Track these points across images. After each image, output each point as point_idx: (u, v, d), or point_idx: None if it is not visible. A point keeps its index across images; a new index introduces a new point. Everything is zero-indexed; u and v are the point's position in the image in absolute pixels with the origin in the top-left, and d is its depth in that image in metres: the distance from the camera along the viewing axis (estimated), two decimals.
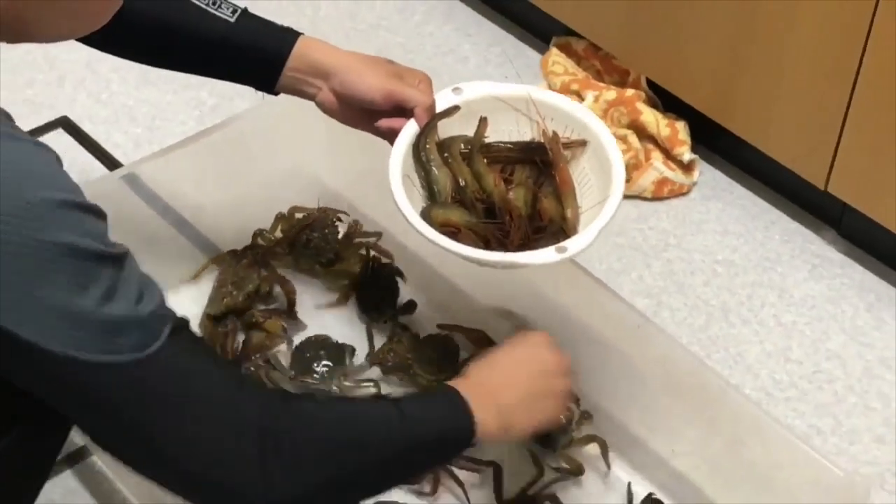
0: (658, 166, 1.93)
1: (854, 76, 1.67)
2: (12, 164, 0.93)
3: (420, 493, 1.52)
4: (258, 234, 1.73)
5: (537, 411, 1.24)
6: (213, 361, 1.08)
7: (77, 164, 1.89)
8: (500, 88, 1.47)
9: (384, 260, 1.74)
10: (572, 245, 1.32)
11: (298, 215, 1.75)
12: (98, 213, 0.97)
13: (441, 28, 2.21)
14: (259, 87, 1.46)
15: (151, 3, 1.40)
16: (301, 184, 1.76)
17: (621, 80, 2.03)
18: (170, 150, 1.69)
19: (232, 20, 1.40)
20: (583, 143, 1.42)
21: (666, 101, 1.98)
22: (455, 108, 1.43)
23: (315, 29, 2.13)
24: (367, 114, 1.42)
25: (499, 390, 1.20)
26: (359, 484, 1.10)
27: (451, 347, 1.62)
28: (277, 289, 1.71)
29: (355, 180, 1.77)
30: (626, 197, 1.91)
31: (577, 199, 1.41)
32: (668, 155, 1.95)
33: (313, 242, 1.70)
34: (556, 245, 1.32)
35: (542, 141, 1.43)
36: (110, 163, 1.90)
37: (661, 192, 1.93)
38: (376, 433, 1.10)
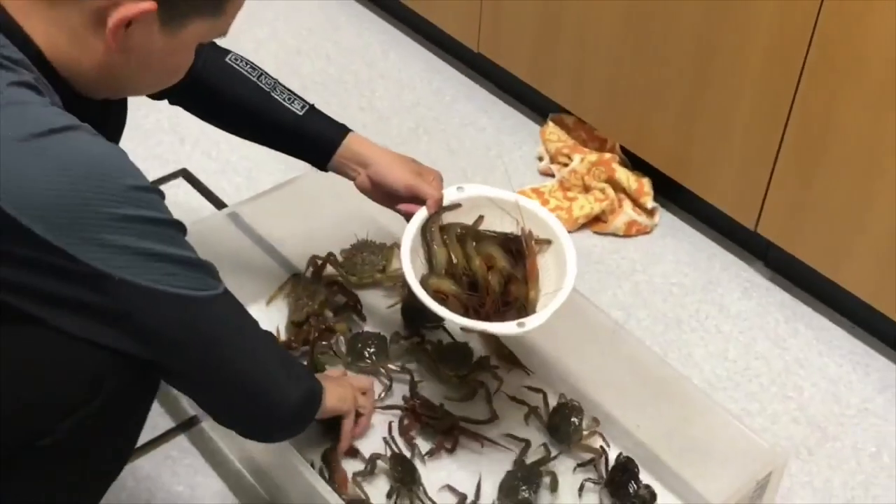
0: (628, 211, 1.94)
1: (777, 147, 1.69)
2: (109, 159, 0.97)
3: (443, 449, 1.50)
4: (327, 258, 1.72)
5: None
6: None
7: (192, 205, 1.91)
8: (492, 192, 1.51)
9: None
10: (530, 322, 1.36)
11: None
12: (161, 193, 1.01)
13: (465, 105, 2.23)
14: (313, 165, 1.48)
15: (239, 87, 1.42)
16: (359, 221, 1.77)
17: (601, 147, 2.04)
18: (262, 194, 1.72)
19: (300, 114, 1.43)
20: (548, 242, 1.46)
21: (634, 162, 1.99)
22: (457, 205, 1.48)
23: (373, 105, 2.19)
24: (392, 197, 1.46)
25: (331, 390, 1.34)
26: None
27: (467, 351, 1.62)
28: (343, 299, 1.69)
29: (399, 220, 1.79)
30: (603, 233, 1.95)
31: (539, 284, 1.43)
32: (636, 203, 1.95)
33: (367, 259, 1.71)
34: (518, 321, 1.36)
35: (519, 235, 1.46)
36: (218, 204, 1.91)
37: (630, 231, 1.94)
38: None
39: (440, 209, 1.45)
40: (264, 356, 1.15)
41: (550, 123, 2.10)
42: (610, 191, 1.94)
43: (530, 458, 1.48)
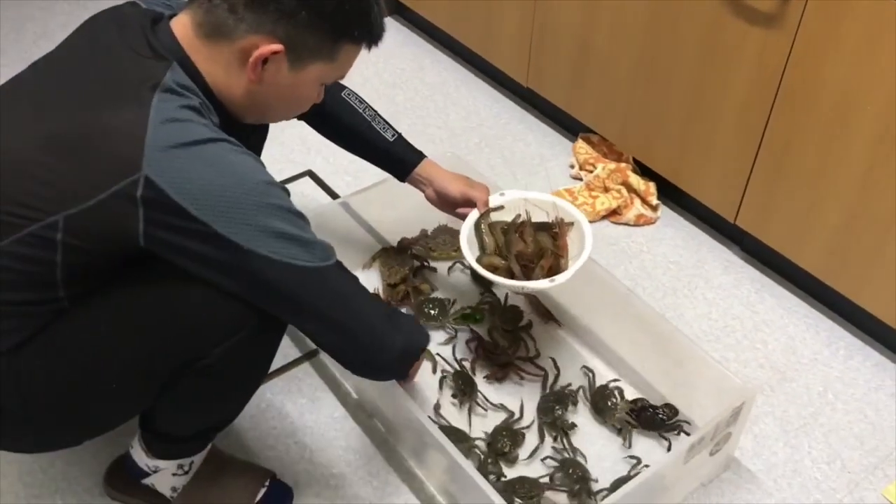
0: (638, 207, 1.92)
1: (753, 160, 1.66)
2: (245, 162, 0.96)
3: (495, 378, 1.51)
4: (421, 235, 1.73)
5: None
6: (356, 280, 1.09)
7: (316, 197, 1.92)
8: (527, 194, 1.50)
9: None
10: (559, 279, 1.35)
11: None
12: (287, 191, 0.99)
13: (517, 126, 2.21)
14: (395, 177, 1.49)
15: (348, 116, 1.43)
16: (436, 212, 1.77)
17: (618, 158, 2.01)
18: (365, 189, 1.72)
19: (391, 140, 1.44)
20: (572, 224, 1.45)
21: (643, 170, 1.97)
22: (500, 207, 1.48)
23: (447, 125, 2.18)
24: (451, 205, 1.47)
25: None
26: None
27: (517, 313, 1.61)
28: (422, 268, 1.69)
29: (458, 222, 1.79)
30: (618, 223, 1.92)
31: (568, 255, 1.43)
32: (644, 200, 1.93)
33: (446, 240, 1.70)
34: (549, 278, 1.35)
35: (552, 222, 1.46)
36: (333, 196, 1.91)
37: (639, 222, 1.91)
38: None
39: (487, 210, 1.46)
40: (370, 313, 1.09)
41: (580, 140, 2.08)
42: (624, 191, 1.92)
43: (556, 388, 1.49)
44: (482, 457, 1.36)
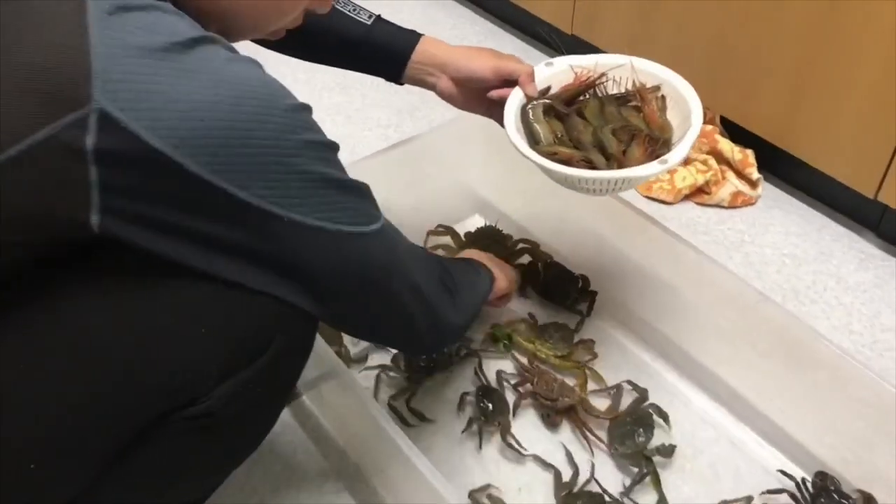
0: (734, 181, 1.45)
1: None
2: (259, 78, 0.62)
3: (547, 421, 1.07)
4: (432, 231, 1.29)
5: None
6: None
7: None
8: (582, 59, 1.00)
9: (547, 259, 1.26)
10: (671, 157, 0.87)
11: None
12: (311, 110, 0.66)
13: None
14: (389, 79, 1.02)
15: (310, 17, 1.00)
16: (461, 195, 1.34)
17: None
18: (360, 161, 1.27)
19: (368, 24, 0.98)
20: (657, 88, 0.97)
21: (733, 135, 1.50)
22: (547, 88, 0.98)
23: None
24: (480, 94, 0.99)
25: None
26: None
27: (566, 331, 1.16)
28: None
29: (502, 191, 1.33)
30: (707, 205, 1.45)
31: (661, 126, 0.94)
32: (739, 174, 1.47)
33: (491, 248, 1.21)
34: (658, 159, 0.87)
35: (628, 92, 0.98)
36: None
37: (736, 202, 1.45)
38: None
39: (535, 88, 0.97)
40: (428, 280, 0.80)
41: None
42: (713, 161, 1.45)
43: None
44: None
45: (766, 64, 1.37)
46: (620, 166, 0.89)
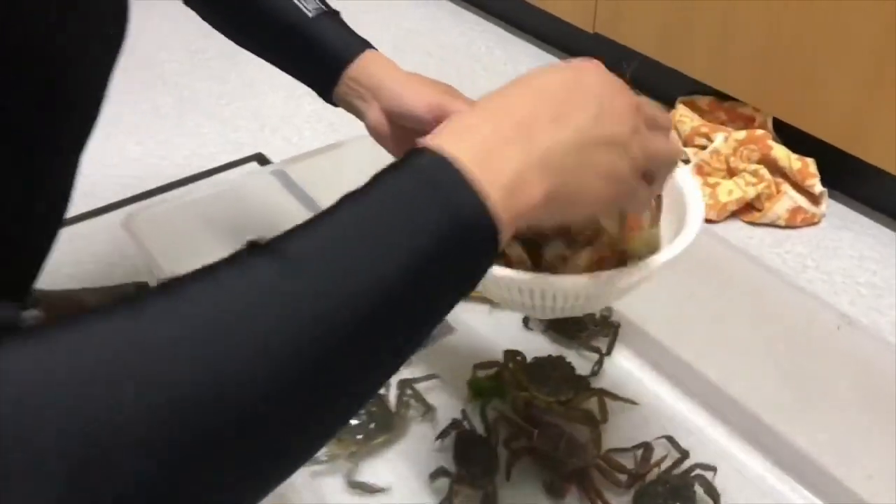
0: (792, 195, 1.19)
1: None
2: None
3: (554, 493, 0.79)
4: None
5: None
6: None
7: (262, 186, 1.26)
8: None
9: None
10: (634, 271, 0.62)
11: None
12: None
13: None
14: (319, 91, 0.77)
15: None
16: None
17: (746, 127, 1.30)
18: (309, 154, 1.04)
19: (311, 15, 0.74)
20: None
21: (789, 141, 1.25)
22: None
23: (476, 95, 1.49)
24: (414, 137, 0.64)
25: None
26: None
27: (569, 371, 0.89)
28: None
29: None
30: (759, 224, 1.19)
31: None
32: (798, 187, 1.21)
33: None
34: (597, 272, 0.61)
35: None
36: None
37: (795, 220, 1.19)
38: None
39: None
40: None
41: (680, 106, 1.37)
42: (765, 172, 1.20)
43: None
44: None
45: (833, 55, 1.12)
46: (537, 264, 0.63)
